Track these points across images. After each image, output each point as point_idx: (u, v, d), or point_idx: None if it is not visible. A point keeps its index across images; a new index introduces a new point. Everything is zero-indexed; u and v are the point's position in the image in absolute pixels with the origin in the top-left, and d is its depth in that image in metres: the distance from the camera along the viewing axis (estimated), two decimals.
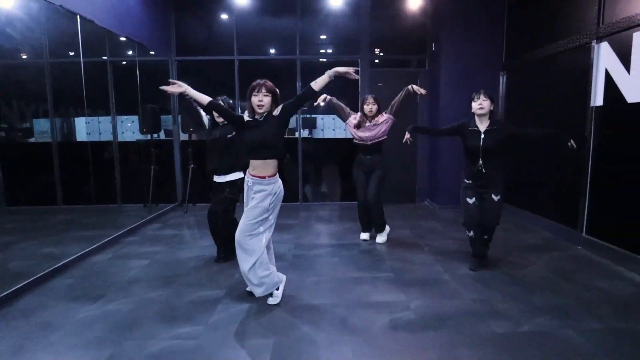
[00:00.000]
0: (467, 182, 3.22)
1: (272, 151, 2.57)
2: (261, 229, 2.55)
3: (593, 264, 3.36)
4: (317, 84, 2.56)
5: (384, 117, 3.84)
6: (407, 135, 3.36)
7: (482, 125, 3.13)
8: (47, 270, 3.06)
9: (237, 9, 5.69)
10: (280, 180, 2.64)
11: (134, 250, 3.81)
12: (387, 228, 4.07)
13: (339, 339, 2.21)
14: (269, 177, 2.56)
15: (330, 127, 6.16)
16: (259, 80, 2.57)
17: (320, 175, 6.19)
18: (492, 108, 3.14)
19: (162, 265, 3.40)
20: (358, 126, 3.84)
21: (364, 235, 4.12)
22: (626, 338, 2.20)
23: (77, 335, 2.23)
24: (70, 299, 2.71)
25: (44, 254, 3.47)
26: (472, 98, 3.17)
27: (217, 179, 3.36)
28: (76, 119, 4.49)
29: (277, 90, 2.61)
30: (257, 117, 2.60)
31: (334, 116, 6.07)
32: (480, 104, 3.09)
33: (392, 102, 3.86)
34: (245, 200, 2.66)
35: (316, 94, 2.68)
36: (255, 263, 2.51)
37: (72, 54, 3.98)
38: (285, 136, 5.97)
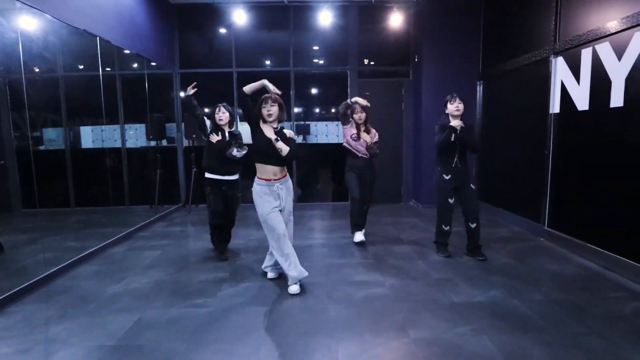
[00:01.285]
0: (447, 177, 3.59)
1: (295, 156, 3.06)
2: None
3: (550, 252, 3.85)
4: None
5: (373, 132, 4.15)
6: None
7: (456, 124, 3.48)
8: (73, 259, 3.54)
9: (236, 25, 6.21)
10: None
11: (147, 243, 4.29)
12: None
13: (324, 307, 2.69)
14: (286, 174, 3.06)
15: (323, 133, 6.64)
16: (266, 94, 2.97)
17: (314, 178, 6.67)
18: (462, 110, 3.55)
19: (173, 254, 3.87)
20: (357, 138, 4.08)
21: (360, 236, 4.17)
22: (561, 306, 2.67)
23: (109, 305, 2.72)
24: (98, 280, 3.19)
25: (67, 247, 3.91)
26: (448, 100, 3.55)
27: (217, 176, 3.63)
28: (82, 127, 4.93)
29: (281, 101, 3.01)
30: (272, 127, 2.97)
31: (327, 123, 6.60)
32: (457, 107, 3.50)
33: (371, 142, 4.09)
34: (262, 203, 2.91)
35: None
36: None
37: (81, 67, 4.44)
38: None
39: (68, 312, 2.61)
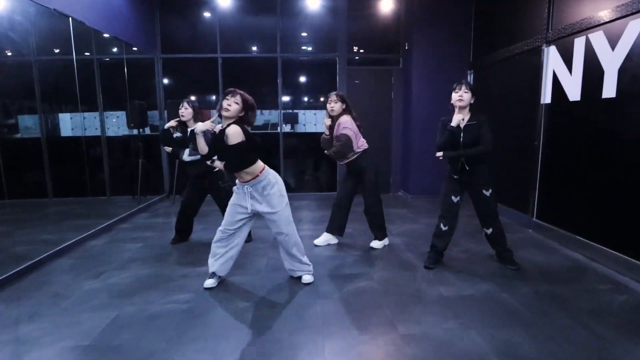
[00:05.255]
0: (455, 177, 3.11)
1: (238, 165, 2.57)
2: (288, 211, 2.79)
3: (538, 243, 3.84)
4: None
5: (338, 123, 3.55)
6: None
7: (457, 120, 2.96)
8: (49, 252, 3.38)
9: (220, 9, 5.98)
10: (271, 173, 2.69)
11: (128, 235, 4.14)
12: (386, 240, 3.81)
13: (311, 302, 2.62)
14: (260, 173, 2.61)
15: (311, 122, 6.50)
16: (235, 89, 2.56)
17: (302, 168, 6.55)
18: (472, 101, 2.97)
19: (155, 247, 3.74)
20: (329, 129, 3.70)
21: (324, 238, 3.81)
22: (548, 298, 2.65)
23: (85, 302, 2.59)
24: (74, 275, 3.05)
25: (43, 240, 3.75)
26: (453, 89, 3.00)
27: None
28: (60, 114, 4.70)
29: (251, 101, 2.57)
30: (221, 126, 2.61)
31: (315, 111, 6.45)
32: (461, 96, 2.93)
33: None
34: (234, 194, 2.74)
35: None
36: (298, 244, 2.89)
37: (57, 51, 4.20)
38: (268, 131, 6.33)
39: (40, 311, 2.47)
